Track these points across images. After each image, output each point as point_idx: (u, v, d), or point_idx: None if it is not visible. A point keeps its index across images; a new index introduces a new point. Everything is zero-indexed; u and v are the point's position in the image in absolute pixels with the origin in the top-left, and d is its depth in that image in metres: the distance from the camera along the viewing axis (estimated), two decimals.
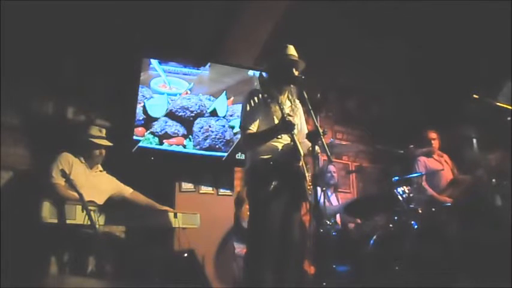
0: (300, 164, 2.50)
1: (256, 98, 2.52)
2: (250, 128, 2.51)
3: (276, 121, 2.49)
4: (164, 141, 3.62)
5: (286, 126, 2.41)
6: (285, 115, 2.41)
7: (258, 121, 2.52)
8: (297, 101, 2.72)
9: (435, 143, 4.28)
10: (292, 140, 2.47)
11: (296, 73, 2.52)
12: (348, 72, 4.85)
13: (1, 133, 3.19)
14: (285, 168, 2.47)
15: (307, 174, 2.54)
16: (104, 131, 3.14)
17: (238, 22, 3.88)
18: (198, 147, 3.73)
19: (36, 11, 3.27)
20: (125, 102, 3.60)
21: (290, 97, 2.65)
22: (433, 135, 4.31)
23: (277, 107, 2.46)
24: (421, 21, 4.23)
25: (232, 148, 3.80)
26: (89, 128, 3.15)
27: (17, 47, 3.25)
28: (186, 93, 3.77)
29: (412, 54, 4.71)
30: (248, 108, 2.53)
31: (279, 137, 2.52)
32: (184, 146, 3.69)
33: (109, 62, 3.68)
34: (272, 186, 2.42)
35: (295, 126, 2.48)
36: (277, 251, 2.41)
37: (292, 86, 2.62)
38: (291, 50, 2.61)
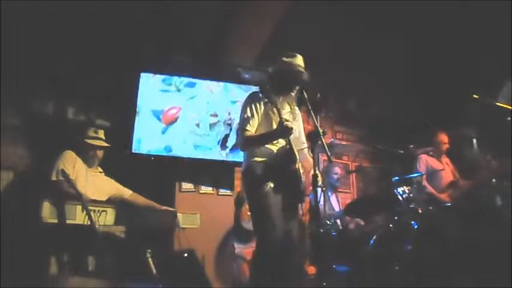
0: (296, 166, 2.50)
1: (256, 101, 2.54)
2: (249, 129, 2.51)
3: (275, 126, 2.50)
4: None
5: (284, 131, 2.41)
6: (283, 120, 2.41)
7: (257, 124, 2.54)
8: (297, 108, 2.73)
9: (442, 145, 4.23)
10: (288, 143, 2.48)
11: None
12: (348, 72, 4.85)
13: (1, 133, 3.19)
14: (280, 170, 2.48)
15: (303, 177, 2.53)
16: (99, 132, 3.14)
17: (238, 22, 3.88)
18: None
19: (36, 11, 3.27)
20: (124, 102, 3.60)
21: (290, 102, 2.67)
22: (443, 137, 4.24)
23: (276, 112, 2.47)
24: (421, 21, 4.23)
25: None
26: (85, 129, 3.16)
27: (17, 47, 3.25)
28: None
29: (412, 54, 4.70)
30: (248, 110, 2.54)
31: (276, 141, 2.53)
32: None
33: (109, 61, 3.68)
34: (267, 188, 2.42)
35: (293, 131, 2.46)
36: (278, 252, 2.40)
37: (292, 94, 2.62)
38: (299, 61, 2.60)
